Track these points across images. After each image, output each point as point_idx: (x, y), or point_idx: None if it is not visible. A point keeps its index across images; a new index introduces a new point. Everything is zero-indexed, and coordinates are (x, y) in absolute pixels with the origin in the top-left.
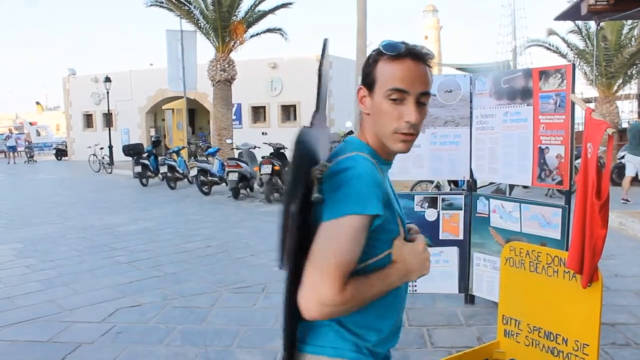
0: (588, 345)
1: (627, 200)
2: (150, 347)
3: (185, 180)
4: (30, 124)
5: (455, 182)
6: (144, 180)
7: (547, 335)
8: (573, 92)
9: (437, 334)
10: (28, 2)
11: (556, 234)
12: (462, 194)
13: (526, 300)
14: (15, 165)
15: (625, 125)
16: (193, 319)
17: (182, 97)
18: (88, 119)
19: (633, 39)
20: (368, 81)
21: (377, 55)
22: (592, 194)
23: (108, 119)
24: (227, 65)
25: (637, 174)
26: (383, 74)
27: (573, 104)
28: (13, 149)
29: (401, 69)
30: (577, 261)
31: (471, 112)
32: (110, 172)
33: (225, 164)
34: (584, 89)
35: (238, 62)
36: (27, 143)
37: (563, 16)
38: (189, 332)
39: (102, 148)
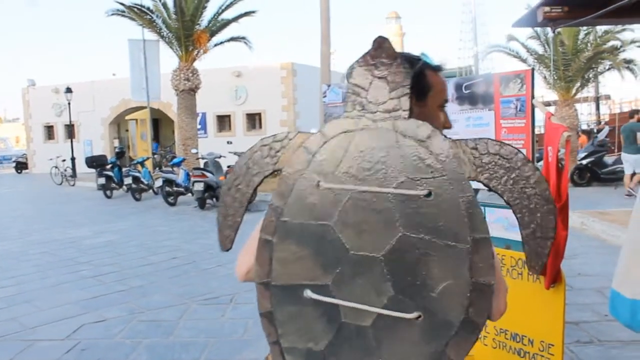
0: (553, 345)
1: (632, 195)
2: None
3: (151, 191)
4: None
5: None
6: (108, 192)
7: (513, 337)
8: (533, 96)
9: None
10: (28, 2)
11: (520, 237)
12: None
13: None
14: None
15: (584, 127)
16: (160, 332)
17: (145, 107)
18: (49, 131)
19: (589, 43)
20: (419, 89)
21: (423, 67)
22: (553, 196)
23: (70, 130)
24: (191, 75)
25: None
26: (435, 84)
27: (533, 108)
28: None
29: (444, 82)
30: None
31: None
32: (73, 185)
33: (191, 174)
34: (544, 92)
35: (202, 71)
36: None
37: (520, 23)
38: (155, 346)
39: (64, 160)
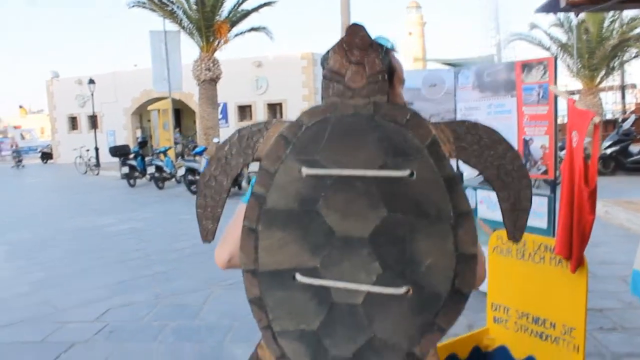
0: (575, 329)
1: None
2: (144, 344)
3: (173, 180)
4: (15, 127)
5: None
6: (131, 181)
7: (535, 320)
8: (555, 83)
9: None
10: (28, 1)
11: (542, 223)
12: None
13: (514, 287)
14: (6, 172)
15: (609, 116)
16: (185, 315)
17: (167, 98)
18: (73, 122)
19: (614, 31)
20: (388, 72)
21: (388, 50)
22: (580, 181)
23: (93, 121)
24: (211, 65)
25: None
26: (397, 66)
27: (556, 95)
28: None
29: (401, 63)
30: (566, 247)
31: (455, 106)
32: (97, 174)
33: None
34: (568, 81)
35: (223, 61)
36: (13, 147)
37: (543, 8)
38: (182, 329)
39: (88, 150)
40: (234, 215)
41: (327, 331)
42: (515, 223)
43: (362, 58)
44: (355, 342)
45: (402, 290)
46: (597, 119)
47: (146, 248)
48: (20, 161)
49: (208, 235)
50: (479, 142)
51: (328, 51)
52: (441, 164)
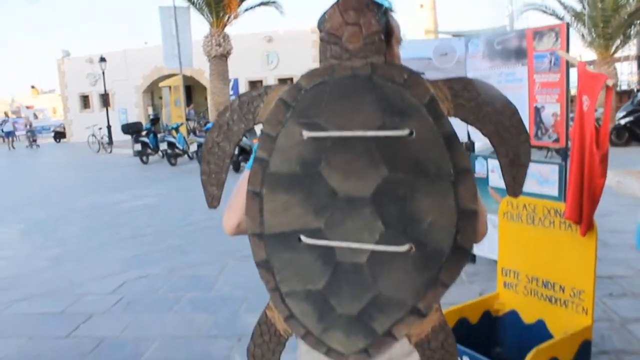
0: (584, 291)
1: None
2: (161, 314)
3: (186, 156)
4: (27, 107)
5: None
6: (144, 158)
7: (544, 284)
8: (567, 51)
9: None
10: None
11: (554, 191)
12: None
13: (524, 252)
14: (15, 151)
15: (624, 87)
16: (200, 287)
17: (178, 74)
18: (85, 100)
19: None
20: (386, 32)
21: (386, 10)
22: (592, 145)
23: (105, 99)
24: (222, 40)
25: None
26: (395, 26)
27: (568, 62)
28: (10, 134)
29: (398, 23)
30: (576, 211)
31: (466, 75)
32: (110, 152)
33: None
34: (582, 51)
35: (233, 36)
36: (28, 127)
37: None
38: (197, 300)
39: (100, 128)
40: (239, 182)
41: (333, 290)
42: (514, 178)
43: (358, 19)
44: (360, 300)
45: (404, 247)
46: (610, 82)
47: (160, 223)
48: (34, 141)
49: (213, 200)
50: (476, 98)
51: (324, 13)
52: (440, 122)
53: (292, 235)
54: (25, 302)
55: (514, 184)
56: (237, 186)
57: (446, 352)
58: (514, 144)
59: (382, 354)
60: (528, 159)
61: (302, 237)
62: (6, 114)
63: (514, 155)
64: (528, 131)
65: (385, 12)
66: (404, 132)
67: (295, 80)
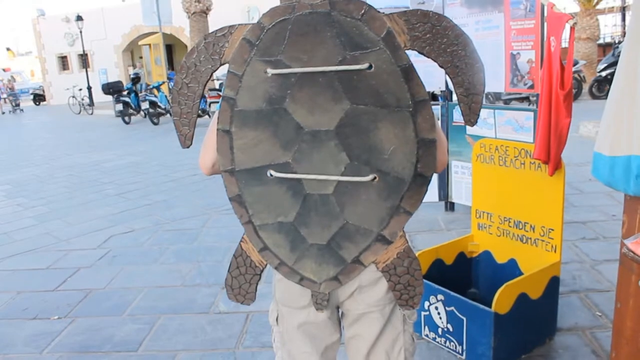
0: (553, 230)
1: None
2: (146, 266)
3: (168, 115)
4: (4, 70)
5: (434, 97)
6: (126, 118)
7: (516, 224)
8: None
9: (419, 239)
10: None
11: (529, 137)
12: (438, 104)
13: (497, 193)
14: (2, 116)
15: (608, 39)
16: (185, 239)
17: (158, 32)
18: (63, 61)
19: None
20: None
21: None
22: (557, 85)
23: (84, 59)
24: None
25: None
26: None
27: (542, 7)
28: None
29: None
30: (544, 151)
31: None
32: (92, 113)
33: (207, 95)
34: (567, 3)
35: None
36: (9, 91)
37: None
38: (181, 251)
39: (80, 89)
40: (211, 122)
41: (303, 221)
42: (470, 107)
43: None
44: (329, 230)
45: (368, 177)
46: (571, 22)
47: (144, 180)
48: (17, 105)
49: (186, 140)
50: (431, 30)
51: None
52: (397, 55)
53: (262, 170)
54: (11, 259)
55: (470, 113)
56: (209, 127)
57: (411, 276)
58: (468, 73)
59: (352, 281)
60: (483, 87)
61: (272, 172)
62: None
63: (469, 84)
64: (482, 61)
65: None
66: (364, 65)
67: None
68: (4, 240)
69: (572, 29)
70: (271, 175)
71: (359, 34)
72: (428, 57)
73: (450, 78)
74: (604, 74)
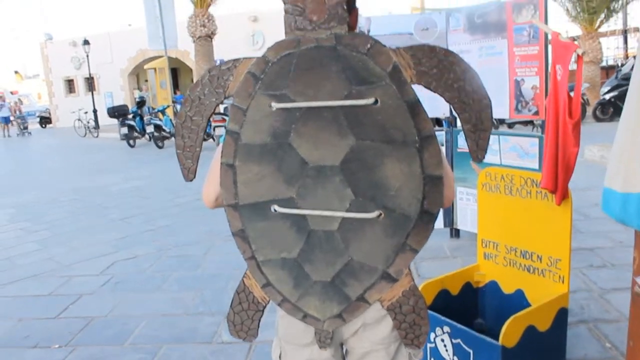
0: (560, 260)
1: None
2: (148, 294)
3: (173, 138)
4: (12, 93)
5: (439, 123)
6: (131, 142)
7: (523, 254)
8: (546, 22)
9: (424, 266)
10: None
11: (534, 164)
12: (443, 130)
13: (503, 222)
14: (9, 138)
15: (610, 62)
16: (188, 266)
17: (163, 56)
18: (70, 85)
19: None
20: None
21: None
22: (564, 114)
23: (90, 83)
24: (206, 21)
25: None
26: None
27: (546, 34)
28: (6, 120)
29: None
30: (551, 180)
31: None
32: (97, 136)
33: (212, 119)
34: (568, 26)
35: (218, 16)
36: (17, 113)
37: None
38: (184, 278)
39: (86, 112)
40: (215, 155)
41: (307, 257)
42: (477, 143)
43: None
44: (333, 267)
45: (374, 214)
46: (580, 51)
47: (148, 204)
48: (25, 127)
49: (189, 174)
50: (438, 65)
51: None
52: (403, 90)
53: (265, 205)
54: (14, 285)
55: (477, 149)
56: (213, 160)
57: (417, 315)
58: (476, 109)
59: (356, 319)
60: (490, 124)
61: (276, 207)
62: (2, 99)
63: (477, 120)
64: (489, 96)
65: None
66: (369, 100)
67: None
68: (7, 266)
69: (580, 57)
70: (275, 210)
71: (364, 69)
72: (435, 92)
73: (457, 114)
74: (607, 96)
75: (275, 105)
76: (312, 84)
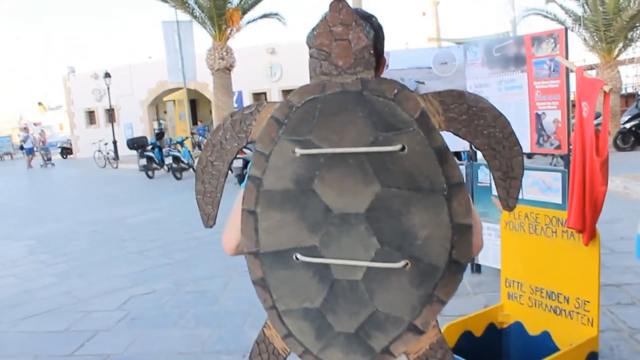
0: (589, 302)
1: None
2: (165, 330)
3: (191, 170)
4: (35, 124)
5: (459, 156)
6: (149, 173)
7: (549, 295)
8: (567, 57)
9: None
10: None
11: (557, 199)
12: (463, 164)
13: (527, 262)
14: (32, 170)
15: (630, 90)
16: (205, 302)
17: (182, 88)
18: (90, 116)
19: (632, 1)
20: (377, 44)
21: (378, 22)
22: (592, 152)
23: (110, 114)
24: (225, 53)
25: None
26: (384, 36)
27: (567, 68)
28: (30, 151)
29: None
30: (579, 220)
31: (466, 83)
32: (116, 167)
33: None
34: (586, 55)
35: (236, 49)
36: (41, 144)
37: None
38: (202, 315)
39: (106, 144)
40: (235, 202)
41: (330, 308)
42: (508, 191)
43: (347, 34)
44: (357, 317)
45: (400, 264)
46: (607, 87)
47: (166, 237)
48: (49, 159)
49: (209, 220)
50: (467, 111)
51: (312, 29)
52: (431, 136)
53: (287, 253)
54: (30, 320)
55: (508, 198)
56: (234, 206)
57: None
58: (506, 157)
59: None
60: (521, 171)
61: (298, 255)
62: (26, 129)
63: (507, 168)
64: (520, 143)
65: (373, 26)
66: (396, 147)
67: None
68: (25, 299)
69: (606, 94)
70: (297, 259)
71: (391, 114)
72: (464, 139)
73: (487, 161)
74: (628, 125)
75: (299, 151)
76: (337, 130)
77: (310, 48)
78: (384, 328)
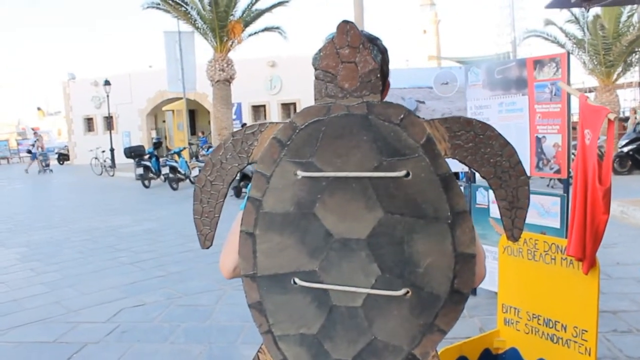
0: (587, 331)
1: None
2: (155, 345)
3: (188, 180)
4: (33, 129)
5: (456, 176)
6: (146, 182)
7: (546, 322)
8: (568, 80)
9: None
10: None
11: (555, 223)
12: (461, 185)
13: (525, 288)
14: (28, 175)
15: (627, 113)
16: (197, 316)
17: (182, 98)
18: (89, 123)
19: (631, 26)
20: (383, 68)
21: (384, 45)
22: (594, 180)
23: (109, 122)
24: (225, 65)
25: None
26: (389, 59)
27: (568, 92)
28: (35, 156)
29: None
30: (580, 249)
31: (466, 104)
32: (113, 175)
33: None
34: (585, 78)
35: (237, 61)
36: (40, 150)
37: (554, 4)
38: (193, 330)
39: (103, 151)
40: (234, 223)
41: (327, 334)
42: (513, 221)
43: (354, 57)
44: (355, 345)
45: (401, 292)
46: (612, 116)
47: (160, 249)
48: (47, 165)
49: (206, 241)
50: (474, 139)
51: (319, 50)
52: (437, 163)
53: (286, 277)
54: (19, 329)
55: (513, 228)
56: (232, 227)
57: None
58: (512, 186)
59: None
60: (527, 201)
61: (296, 280)
62: (36, 134)
63: (513, 198)
64: (527, 173)
65: (379, 48)
66: (401, 173)
67: (298, 103)
68: (14, 308)
69: (611, 122)
70: (295, 283)
71: (397, 140)
72: (470, 166)
73: (493, 190)
74: (625, 149)
75: (300, 173)
76: (341, 153)
77: (316, 69)
78: (382, 357)
